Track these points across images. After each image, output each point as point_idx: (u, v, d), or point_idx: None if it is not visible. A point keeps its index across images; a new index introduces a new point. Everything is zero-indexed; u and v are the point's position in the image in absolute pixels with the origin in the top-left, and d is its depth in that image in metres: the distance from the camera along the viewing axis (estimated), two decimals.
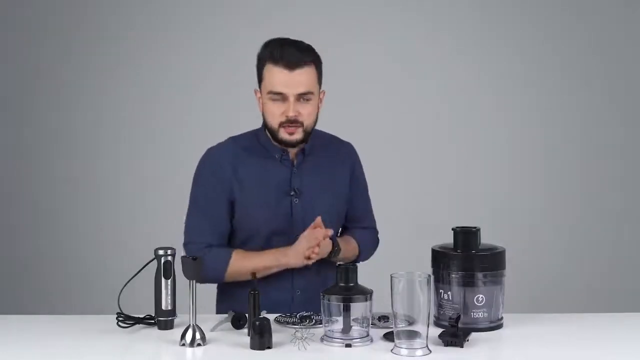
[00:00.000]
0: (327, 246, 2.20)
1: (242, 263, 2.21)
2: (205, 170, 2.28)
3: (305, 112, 2.17)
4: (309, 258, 2.15)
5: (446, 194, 4.04)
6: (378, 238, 2.49)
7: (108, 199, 4.17)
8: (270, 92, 2.16)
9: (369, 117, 3.94)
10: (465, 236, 2.01)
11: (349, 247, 2.34)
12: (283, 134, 2.19)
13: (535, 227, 4.10)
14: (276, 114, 2.17)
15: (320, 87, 2.23)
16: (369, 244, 2.44)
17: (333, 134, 2.42)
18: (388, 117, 4.05)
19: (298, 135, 2.19)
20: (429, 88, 4.12)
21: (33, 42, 4.14)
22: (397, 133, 4.04)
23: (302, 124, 2.18)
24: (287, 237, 2.23)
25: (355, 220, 2.42)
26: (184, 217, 2.34)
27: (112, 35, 4.12)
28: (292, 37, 2.23)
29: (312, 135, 2.26)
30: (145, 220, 4.10)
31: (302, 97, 2.16)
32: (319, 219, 2.14)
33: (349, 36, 4.02)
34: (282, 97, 2.15)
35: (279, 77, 2.14)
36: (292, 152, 2.27)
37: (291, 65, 2.13)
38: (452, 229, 2.05)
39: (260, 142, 2.29)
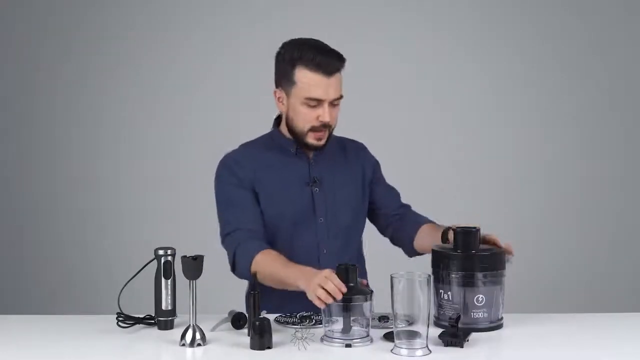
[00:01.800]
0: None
1: (264, 267, 2.10)
2: (225, 171, 2.29)
3: (334, 115, 2.24)
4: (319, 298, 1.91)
5: (446, 194, 4.04)
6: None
7: (108, 199, 4.17)
8: (307, 98, 2.17)
9: (368, 117, 3.94)
10: (465, 236, 2.01)
11: (436, 227, 2.30)
12: (311, 139, 2.23)
13: (535, 227, 4.10)
14: (309, 118, 2.20)
15: None
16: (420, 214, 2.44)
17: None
18: (388, 117, 4.05)
19: (324, 139, 2.24)
20: (429, 88, 4.12)
21: (33, 42, 4.14)
22: (396, 133, 4.04)
23: (330, 127, 2.24)
24: (310, 226, 2.26)
25: (393, 207, 2.42)
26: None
27: (112, 35, 4.13)
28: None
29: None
30: (145, 220, 4.11)
31: (334, 102, 2.21)
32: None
33: (348, 36, 4.00)
34: (317, 103, 2.18)
35: (317, 83, 2.16)
36: None
37: (329, 72, 2.17)
38: (452, 229, 2.06)
39: (274, 141, 2.32)
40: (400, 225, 2.39)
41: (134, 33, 4.13)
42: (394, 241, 2.43)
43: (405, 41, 4.10)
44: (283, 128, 2.31)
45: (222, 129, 3.72)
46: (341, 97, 2.22)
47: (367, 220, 2.45)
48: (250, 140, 2.38)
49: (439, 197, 4.02)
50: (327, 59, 2.17)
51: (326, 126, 2.21)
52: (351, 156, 2.40)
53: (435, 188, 4.03)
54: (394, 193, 2.46)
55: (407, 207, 2.45)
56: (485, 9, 4.12)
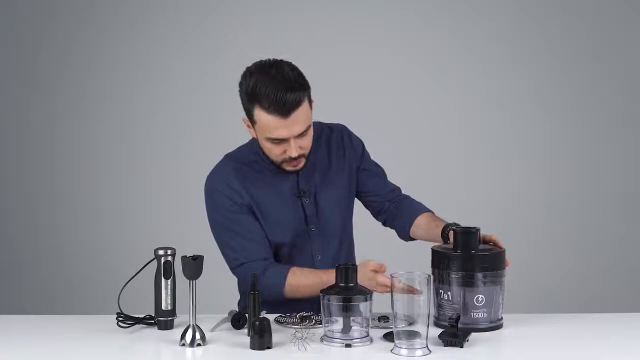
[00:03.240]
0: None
1: (300, 281, 2.14)
2: (217, 194, 2.22)
3: (305, 144, 2.14)
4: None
5: (446, 194, 4.03)
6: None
7: (108, 199, 4.17)
8: (269, 138, 2.10)
9: (369, 117, 3.94)
10: (465, 236, 2.01)
11: (434, 220, 2.28)
12: (287, 167, 2.18)
13: (535, 227, 4.10)
14: (277, 152, 2.14)
15: (312, 108, 2.14)
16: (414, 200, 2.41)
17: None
18: (389, 117, 4.05)
19: (301, 164, 2.18)
20: (431, 88, 4.12)
21: (33, 42, 4.14)
22: (397, 133, 4.04)
23: (303, 154, 2.16)
24: (304, 236, 2.26)
25: (382, 191, 2.39)
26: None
27: (112, 36, 4.13)
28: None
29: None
30: (145, 220, 4.11)
31: (301, 135, 2.10)
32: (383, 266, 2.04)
33: (350, 35, 4.02)
34: (280, 140, 2.10)
35: (274, 124, 2.06)
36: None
37: (287, 111, 2.04)
38: (452, 229, 2.06)
39: (258, 154, 2.25)
40: (396, 213, 2.37)
41: (134, 33, 4.13)
42: (387, 225, 2.42)
43: (405, 41, 4.10)
44: None
45: (222, 129, 3.71)
46: (309, 126, 2.10)
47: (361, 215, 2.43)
48: (234, 149, 2.31)
49: (439, 197, 4.01)
50: (282, 99, 2.01)
51: (297, 157, 2.13)
52: (336, 152, 2.34)
53: (434, 188, 4.03)
54: (381, 177, 2.41)
55: (398, 191, 2.43)
56: (486, 8, 4.12)
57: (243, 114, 2.16)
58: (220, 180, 2.23)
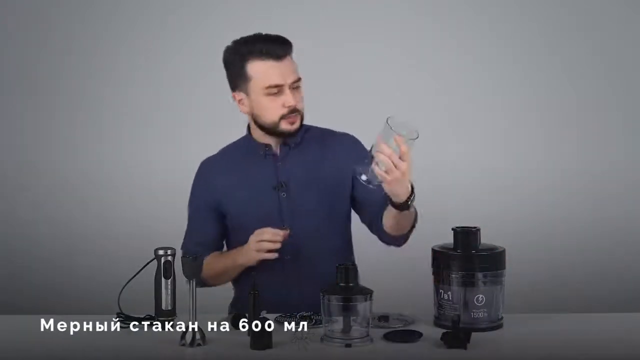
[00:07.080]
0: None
1: (210, 264, 2.26)
2: (195, 181, 2.41)
3: (299, 99, 2.24)
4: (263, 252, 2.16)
5: (446, 194, 4.03)
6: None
7: (108, 198, 4.17)
8: (267, 87, 2.19)
9: (369, 117, 3.93)
10: (465, 236, 2.01)
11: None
12: (285, 126, 2.23)
13: (535, 227, 4.09)
14: (275, 107, 2.21)
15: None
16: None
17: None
18: (386, 115, 4.05)
19: (297, 123, 2.24)
20: (430, 87, 4.12)
21: (33, 42, 4.14)
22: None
23: (299, 112, 2.24)
24: None
25: (378, 202, 2.26)
26: (185, 218, 2.40)
27: (112, 35, 4.13)
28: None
29: (303, 130, 2.30)
30: (145, 220, 4.10)
31: (293, 85, 2.21)
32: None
33: (350, 36, 4.01)
34: (278, 89, 2.19)
35: (271, 70, 2.18)
36: (276, 146, 2.29)
37: (279, 56, 2.19)
38: (452, 229, 2.05)
39: (247, 146, 2.33)
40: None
41: (134, 33, 4.13)
42: (372, 228, 2.32)
43: (405, 41, 4.10)
44: (254, 131, 2.30)
45: (222, 129, 3.70)
46: (300, 79, 2.22)
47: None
48: (232, 142, 2.40)
49: (439, 196, 4.02)
50: (273, 46, 2.19)
51: (295, 111, 2.21)
52: (331, 151, 2.32)
53: (434, 188, 4.02)
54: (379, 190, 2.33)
55: None
56: (488, 8, 4.12)
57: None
58: (204, 166, 2.39)
